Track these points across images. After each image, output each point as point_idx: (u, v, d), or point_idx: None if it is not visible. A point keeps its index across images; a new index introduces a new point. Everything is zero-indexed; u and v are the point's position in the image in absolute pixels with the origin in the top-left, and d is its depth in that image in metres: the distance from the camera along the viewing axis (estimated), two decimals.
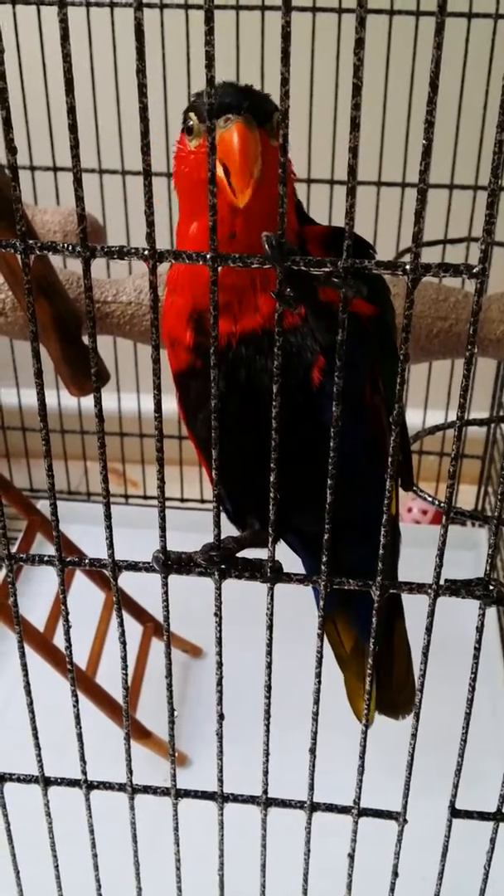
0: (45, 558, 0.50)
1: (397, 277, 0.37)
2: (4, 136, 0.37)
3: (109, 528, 0.47)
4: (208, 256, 0.39)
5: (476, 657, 0.49)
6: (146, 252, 0.38)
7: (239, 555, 0.55)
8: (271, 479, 0.43)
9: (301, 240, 0.60)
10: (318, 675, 0.50)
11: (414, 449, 1.30)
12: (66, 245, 0.40)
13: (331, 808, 0.55)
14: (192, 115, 0.56)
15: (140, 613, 1.04)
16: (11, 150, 0.37)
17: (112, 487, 1.45)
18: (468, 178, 1.09)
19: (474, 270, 0.38)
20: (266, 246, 0.39)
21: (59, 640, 0.89)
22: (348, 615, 0.71)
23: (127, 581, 0.49)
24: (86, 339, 0.74)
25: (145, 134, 0.37)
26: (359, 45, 0.34)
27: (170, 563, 0.47)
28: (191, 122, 0.56)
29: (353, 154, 0.36)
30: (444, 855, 0.55)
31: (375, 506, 0.63)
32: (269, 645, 0.49)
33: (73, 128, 0.37)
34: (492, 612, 1.13)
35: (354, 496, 0.43)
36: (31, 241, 0.39)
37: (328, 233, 0.60)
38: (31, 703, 0.54)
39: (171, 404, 0.62)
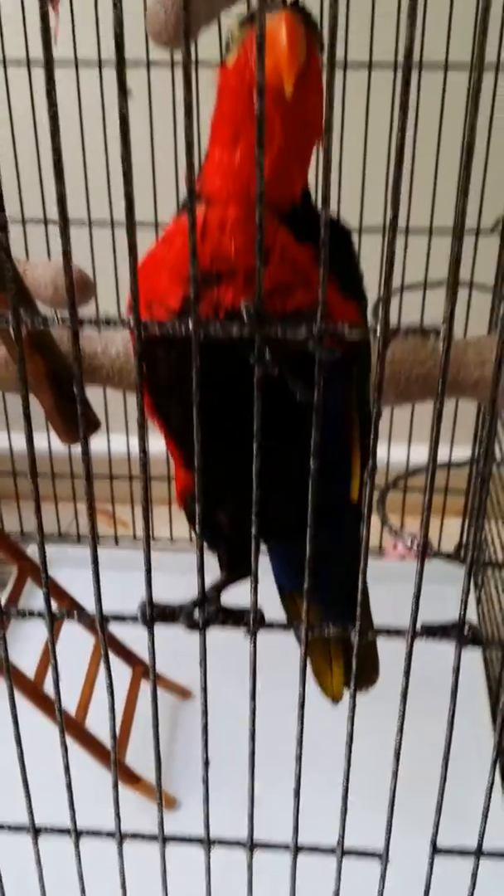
0: (35, 612, 0.51)
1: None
2: None
3: (97, 581, 0.48)
4: (190, 324, 0.41)
5: (453, 698, 0.51)
6: (131, 323, 0.41)
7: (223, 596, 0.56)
8: (253, 530, 0.45)
9: (307, 210, 0.57)
10: (301, 719, 0.52)
11: (398, 487, 1.32)
12: (56, 317, 0.42)
13: (315, 849, 0.56)
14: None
15: (129, 657, 1.05)
16: (4, 228, 0.40)
17: (102, 529, 1.47)
18: (448, 221, 1.12)
19: (440, 332, 0.40)
20: (244, 313, 0.41)
21: (48, 687, 0.90)
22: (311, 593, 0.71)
23: (116, 623, 0.51)
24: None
25: (130, 214, 0.39)
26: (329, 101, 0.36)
27: (155, 617, 0.49)
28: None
29: (325, 202, 0.38)
30: (426, 892, 0.56)
31: (336, 493, 0.63)
32: (253, 692, 0.50)
33: (62, 213, 0.39)
34: (476, 650, 1.14)
35: (321, 487, 0.43)
36: (22, 316, 0.41)
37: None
38: (21, 755, 0.55)
39: (158, 445, 0.62)
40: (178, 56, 1.05)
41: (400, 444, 1.31)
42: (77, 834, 0.57)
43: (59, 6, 1.05)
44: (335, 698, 0.76)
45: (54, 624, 0.51)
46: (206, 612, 0.48)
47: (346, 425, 0.62)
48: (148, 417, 0.60)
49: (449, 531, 1.37)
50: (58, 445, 1.32)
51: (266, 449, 0.42)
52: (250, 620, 0.48)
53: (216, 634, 0.50)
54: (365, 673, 0.76)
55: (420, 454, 1.26)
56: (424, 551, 0.47)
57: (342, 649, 0.75)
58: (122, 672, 1.03)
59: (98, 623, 0.49)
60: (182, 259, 0.53)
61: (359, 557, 0.45)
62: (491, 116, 1.07)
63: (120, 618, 0.49)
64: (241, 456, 0.44)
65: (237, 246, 0.45)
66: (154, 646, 0.49)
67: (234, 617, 0.49)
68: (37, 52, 1.09)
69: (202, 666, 0.49)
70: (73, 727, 0.88)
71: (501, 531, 1.16)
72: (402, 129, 0.33)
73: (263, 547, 0.70)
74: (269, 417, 0.42)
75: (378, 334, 0.40)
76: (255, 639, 0.48)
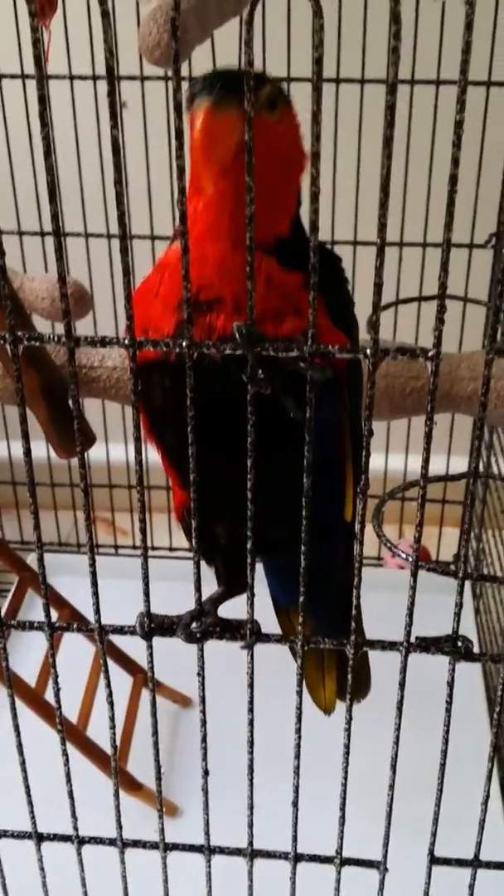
0: (35, 624, 0.52)
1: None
2: None
3: (96, 594, 0.49)
4: (184, 344, 0.42)
5: (448, 710, 0.51)
6: (126, 342, 0.42)
7: (221, 609, 0.57)
8: (248, 544, 0.46)
9: (297, 240, 0.57)
10: (299, 731, 0.52)
11: (396, 496, 1.33)
12: (52, 336, 0.43)
13: (314, 858, 0.57)
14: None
15: (129, 665, 1.06)
16: (0, 252, 0.41)
17: (102, 537, 1.48)
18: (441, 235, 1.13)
19: (430, 354, 0.41)
20: (236, 333, 0.42)
21: (50, 695, 0.91)
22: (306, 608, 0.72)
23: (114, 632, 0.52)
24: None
25: (123, 237, 0.40)
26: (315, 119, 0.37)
27: (153, 628, 0.50)
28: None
29: (314, 228, 0.39)
30: None
31: (331, 513, 0.64)
32: (251, 703, 0.51)
33: (56, 231, 0.40)
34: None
35: (312, 508, 0.44)
36: (19, 334, 0.42)
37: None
38: (23, 763, 0.56)
39: (156, 455, 0.63)
40: (171, 72, 1.06)
41: (397, 455, 1.32)
42: (79, 841, 0.58)
43: (51, 21, 1.06)
44: (327, 710, 0.77)
45: (54, 635, 0.52)
46: (203, 625, 0.49)
47: (339, 446, 0.63)
48: (146, 438, 0.61)
49: (447, 540, 1.38)
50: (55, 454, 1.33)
51: (260, 468, 0.43)
52: (247, 633, 0.49)
53: (216, 645, 0.51)
54: (357, 686, 0.77)
55: (418, 462, 1.27)
56: (417, 568, 0.48)
57: (335, 662, 0.76)
58: (123, 680, 1.03)
59: (97, 635, 0.50)
60: (173, 287, 0.55)
61: (353, 574, 0.46)
62: (483, 128, 1.09)
63: (119, 630, 0.50)
64: (236, 476, 0.45)
65: (219, 275, 0.46)
66: (153, 658, 0.50)
67: (231, 629, 0.50)
68: (31, 65, 1.09)
69: (200, 678, 0.50)
70: (74, 735, 0.89)
71: (499, 542, 1.17)
72: (388, 168, 0.34)
73: (260, 564, 0.71)
74: (262, 437, 0.42)
75: (368, 355, 0.41)
76: (252, 651, 0.49)
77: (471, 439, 1.27)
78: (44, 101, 0.38)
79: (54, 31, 0.89)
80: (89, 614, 1.05)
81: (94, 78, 1.08)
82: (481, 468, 1.18)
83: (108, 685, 0.53)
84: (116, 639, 1.05)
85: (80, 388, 0.82)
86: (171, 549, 1.39)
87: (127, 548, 1.44)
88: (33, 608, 1.21)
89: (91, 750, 0.90)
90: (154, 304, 0.56)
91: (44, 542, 0.52)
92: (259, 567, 0.69)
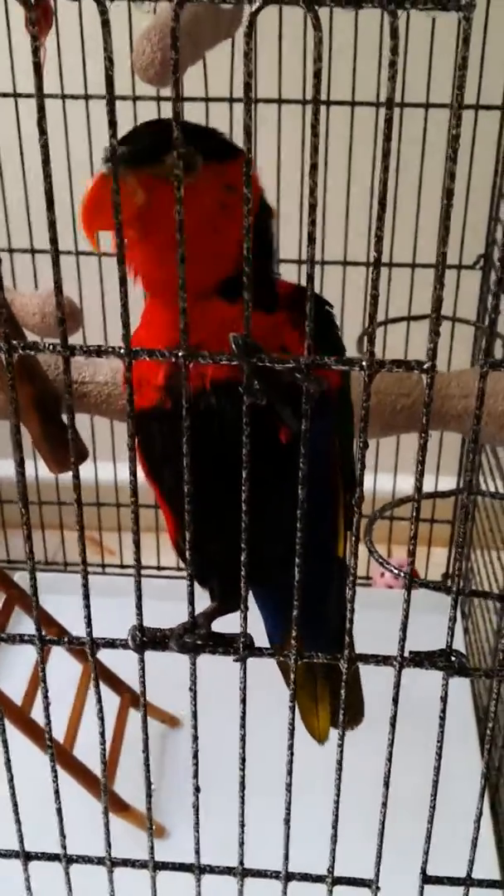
0: (25, 637, 0.52)
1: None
2: None
3: (87, 607, 0.49)
4: (180, 354, 0.42)
5: (441, 726, 0.51)
6: (122, 350, 0.42)
7: (213, 625, 0.57)
8: (242, 556, 0.46)
9: (273, 296, 0.60)
10: (291, 748, 0.52)
11: (385, 515, 1.33)
12: (47, 344, 0.43)
13: (306, 877, 0.56)
14: None
15: (117, 684, 1.05)
16: None
17: (89, 556, 1.47)
18: (430, 257, 1.15)
19: (425, 366, 0.41)
20: (233, 345, 0.42)
21: (35, 714, 0.90)
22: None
23: (104, 650, 0.51)
24: (65, 418, 0.77)
25: (121, 246, 0.40)
26: (314, 150, 0.38)
27: (145, 641, 0.49)
28: None
29: (311, 240, 0.39)
30: None
31: (323, 548, 0.65)
32: (243, 718, 0.51)
33: (53, 238, 0.40)
34: (465, 680, 1.15)
35: (309, 540, 0.45)
36: (14, 342, 0.42)
37: (295, 294, 0.62)
38: (11, 779, 0.55)
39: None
40: (164, 91, 1.07)
41: (386, 474, 1.32)
42: (68, 860, 0.57)
43: (46, 37, 1.07)
44: (321, 739, 0.77)
45: (44, 648, 0.51)
46: (196, 637, 0.49)
47: (331, 474, 0.64)
48: (146, 481, 0.64)
49: (436, 560, 1.38)
50: (44, 472, 1.32)
51: (255, 498, 0.44)
52: (240, 646, 0.49)
53: (204, 663, 0.50)
54: (350, 714, 0.78)
55: (406, 482, 1.28)
56: (411, 582, 0.48)
57: (328, 691, 0.76)
58: (110, 699, 1.02)
59: (89, 648, 0.50)
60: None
61: (345, 608, 0.47)
62: (472, 152, 1.10)
63: (111, 643, 0.50)
64: (231, 510, 0.46)
65: (192, 327, 0.46)
66: (144, 672, 0.50)
67: (223, 643, 0.49)
68: (23, 84, 1.11)
69: (192, 692, 0.50)
70: (61, 754, 0.87)
71: (487, 561, 1.17)
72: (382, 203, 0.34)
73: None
74: (257, 469, 0.43)
75: (364, 367, 0.41)
76: (244, 664, 0.49)
77: (460, 456, 1.28)
78: (42, 109, 0.38)
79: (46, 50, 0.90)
80: (77, 633, 1.04)
81: (87, 97, 1.08)
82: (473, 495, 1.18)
83: (99, 698, 0.52)
84: (104, 657, 1.04)
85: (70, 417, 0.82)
86: (159, 567, 1.38)
87: (114, 566, 1.43)
88: (19, 627, 1.19)
89: (78, 770, 0.89)
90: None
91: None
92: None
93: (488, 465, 1.07)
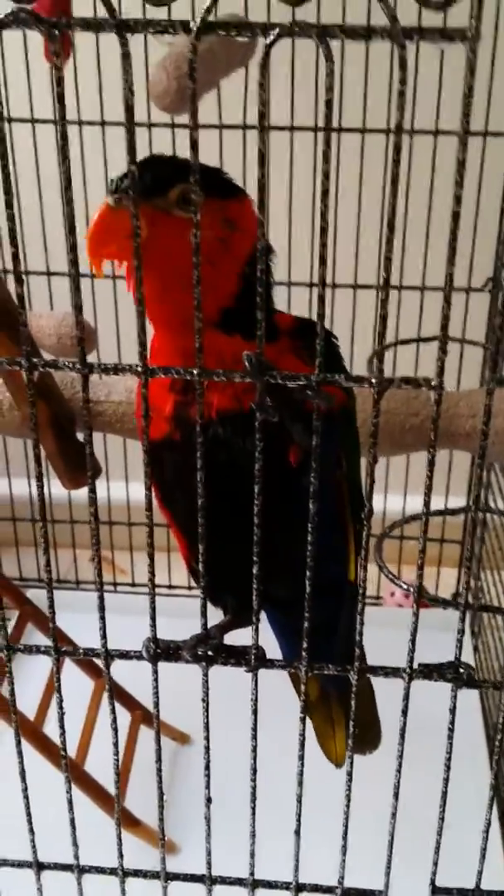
0: (42, 648, 0.53)
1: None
2: (14, 269, 0.42)
3: (103, 619, 0.50)
4: (195, 372, 0.43)
5: (450, 738, 0.52)
6: (139, 368, 0.43)
7: (225, 639, 0.58)
8: (254, 570, 0.47)
9: (273, 327, 0.62)
10: (302, 758, 0.53)
11: (395, 535, 1.34)
12: (66, 362, 0.44)
13: (316, 888, 0.57)
14: None
15: (129, 701, 1.05)
16: (19, 281, 0.42)
17: (97, 594, 1.48)
18: (439, 280, 1.16)
19: (433, 384, 0.42)
20: (246, 363, 0.43)
21: (48, 730, 0.91)
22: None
23: (115, 669, 0.52)
24: (80, 436, 0.79)
25: (139, 268, 0.42)
26: (326, 159, 0.39)
27: (159, 653, 0.50)
28: None
29: (322, 262, 0.40)
30: None
31: (335, 573, 0.66)
32: (255, 729, 0.52)
33: (74, 260, 0.42)
34: (474, 693, 1.15)
35: (319, 566, 0.47)
36: (34, 360, 0.43)
37: (296, 325, 0.63)
38: (25, 789, 0.56)
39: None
40: (178, 119, 1.10)
41: (396, 495, 1.33)
42: (80, 870, 0.57)
43: (64, 67, 1.10)
44: (338, 763, 0.78)
45: (59, 660, 0.52)
46: (209, 647, 0.50)
47: (339, 503, 0.66)
48: (158, 509, 0.66)
49: (445, 580, 1.39)
50: (57, 492, 1.34)
51: (265, 519, 0.45)
52: (251, 657, 0.50)
53: (215, 680, 0.51)
54: (367, 738, 0.78)
55: (416, 502, 1.29)
56: (420, 594, 0.49)
57: (344, 714, 0.77)
58: (121, 716, 1.03)
59: (104, 659, 0.51)
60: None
61: (355, 633, 0.48)
62: (480, 178, 1.12)
63: (125, 654, 0.51)
64: (242, 538, 0.47)
65: (192, 358, 0.48)
66: (157, 683, 0.51)
67: (235, 654, 0.51)
68: (40, 109, 1.13)
69: (204, 702, 0.51)
70: (73, 769, 0.88)
71: (497, 580, 1.17)
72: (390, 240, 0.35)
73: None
74: (268, 488, 0.45)
75: (373, 383, 0.42)
76: (256, 676, 0.50)
77: (469, 476, 1.29)
78: (65, 136, 0.40)
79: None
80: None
81: (103, 124, 1.11)
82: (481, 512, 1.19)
83: (113, 709, 0.53)
84: (115, 675, 1.05)
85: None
86: (170, 586, 1.39)
87: (125, 584, 1.44)
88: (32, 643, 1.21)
89: (89, 785, 0.89)
90: (152, 390, 0.60)
91: (43, 578, 0.52)
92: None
93: (497, 484, 1.08)
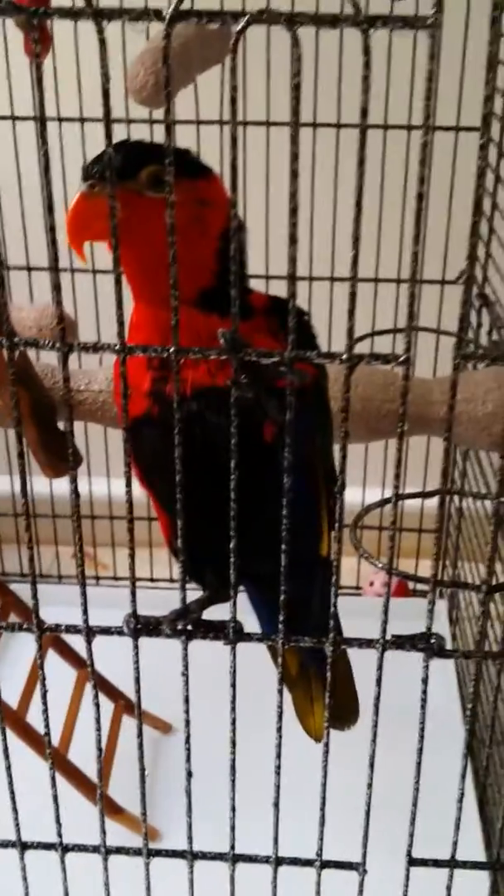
0: (24, 626, 0.54)
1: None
2: None
3: (84, 594, 0.51)
4: (171, 350, 0.45)
5: (423, 707, 0.53)
6: (117, 347, 0.44)
7: (204, 614, 0.59)
8: (231, 544, 0.48)
9: (248, 306, 0.63)
10: (279, 730, 0.54)
11: (373, 524, 1.36)
12: (46, 341, 0.45)
13: (295, 861, 0.58)
14: None
15: (112, 692, 1.06)
16: (2, 264, 0.43)
17: (77, 569, 1.48)
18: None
19: (401, 358, 0.44)
20: (221, 340, 0.45)
21: (30, 718, 0.92)
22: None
23: (98, 662, 0.53)
24: (61, 425, 0.80)
25: (116, 248, 0.43)
26: (294, 164, 0.41)
27: (139, 628, 0.52)
28: None
29: (292, 263, 0.42)
30: None
31: (309, 548, 0.68)
32: (233, 702, 0.53)
33: (53, 242, 0.43)
34: (450, 670, 1.17)
35: (294, 540, 0.48)
36: (16, 338, 0.44)
37: (270, 304, 0.65)
38: (9, 767, 0.57)
39: (138, 488, 0.66)
40: (156, 115, 1.11)
41: (374, 488, 1.35)
42: (63, 848, 0.58)
43: (44, 59, 1.11)
44: (318, 738, 0.80)
45: (42, 640, 0.53)
46: (188, 621, 0.51)
47: (312, 478, 0.67)
48: (140, 486, 0.67)
49: (423, 572, 1.40)
50: (38, 487, 1.35)
51: (241, 493, 0.46)
52: (230, 631, 0.51)
53: (195, 666, 0.52)
54: (346, 715, 0.80)
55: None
56: (391, 572, 0.50)
57: (323, 690, 0.78)
58: (104, 707, 1.03)
59: (85, 636, 0.52)
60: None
61: (329, 608, 0.49)
62: (452, 172, 1.14)
63: (106, 630, 0.52)
64: (219, 512, 0.48)
65: (169, 335, 0.49)
66: (138, 659, 0.52)
67: (214, 628, 0.52)
68: (21, 108, 1.14)
69: (184, 675, 0.52)
70: (55, 756, 0.89)
71: (472, 568, 1.19)
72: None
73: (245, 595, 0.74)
74: (243, 464, 0.46)
75: (343, 359, 0.44)
76: (234, 649, 0.51)
77: (444, 463, 1.30)
78: (43, 122, 0.41)
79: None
80: (71, 644, 1.06)
81: (82, 120, 1.12)
82: (455, 495, 1.21)
83: (95, 689, 0.54)
84: (98, 667, 1.06)
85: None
86: (152, 579, 1.40)
87: (108, 579, 1.45)
88: (15, 637, 1.21)
89: (72, 773, 0.90)
90: (129, 367, 0.60)
91: (25, 574, 0.54)
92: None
93: (472, 473, 1.10)
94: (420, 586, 1.40)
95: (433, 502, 1.26)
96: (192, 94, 1.10)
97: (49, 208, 0.42)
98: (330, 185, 1.16)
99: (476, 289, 1.09)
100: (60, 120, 1.12)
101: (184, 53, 0.83)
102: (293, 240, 0.42)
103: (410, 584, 1.41)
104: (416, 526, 1.35)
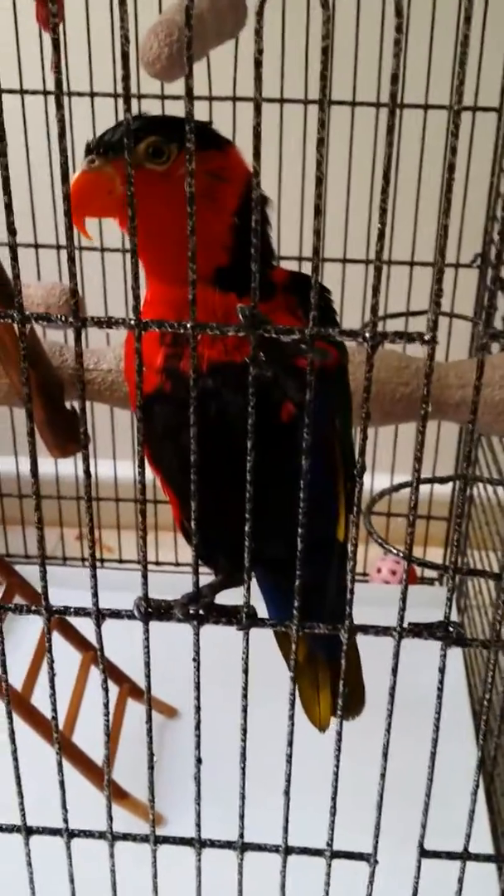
0: (32, 608, 0.53)
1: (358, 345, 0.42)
2: (7, 219, 0.41)
3: (94, 577, 0.50)
4: (189, 325, 0.43)
5: (439, 697, 0.52)
6: (132, 322, 0.43)
7: (216, 599, 0.58)
8: (245, 527, 0.47)
9: (269, 283, 0.61)
10: (291, 718, 0.53)
11: (382, 511, 1.35)
12: (59, 316, 0.44)
13: (304, 850, 0.57)
14: None
15: (118, 675, 1.05)
16: (12, 231, 0.42)
17: (87, 552, 1.48)
18: (428, 256, 1.17)
19: (426, 338, 0.42)
20: (240, 316, 0.43)
21: (35, 701, 0.91)
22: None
23: (107, 641, 0.52)
24: (68, 405, 0.78)
25: (132, 218, 0.42)
26: (321, 144, 0.39)
27: (150, 611, 0.50)
28: None
29: (317, 236, 0.41)
30: (414, 894, 0.57)
31: (325, 532, 0.66)
32: (245, 688, 0.52)
33: (67, 212, 0.41)
34: (459, 661, 1.16)
35: (311, 524, 0.46)
36: (27, 313, 0.43)
37: (290, 278, 0.63)
38: (15, 751, 0.56)
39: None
40: (168, 89, 1.09)
41: (383, 473, 1.34)
42: (69, 834, 0.57)
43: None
44: (322, 727, 0.78)
45: (50, 620, 0.52)
46: (200, 605, 0.50)
47: (331, 461, 0.65)
48: (148, 466, 0.65)
49: (432, 558, 1.39)
50: (44, 469, 1.33)
51: (257, 475, 0.45)
52: (242, 616, 0.49)
53: (205, 657, 0.51)
54: (352, 704, 0.79)
55: (404, 479, 1.29)
56: (410, 560, 0.49)
57: (329, 679, 0.77)
58: (109, 690, 1.03)
59: (94, 618, 0.51)
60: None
61: (345, 597, 0.48)
62: (469, 154, 1.12)
63: (116, 613, 0.51)
64: (233, 493, 0.47)
65: (184, 312, 0.48)
66: (149, 643, 0.51)
67: (226, 613, 0.50)
68: (28, 81, 1.12)
69: (195, 661, 0.51)
70: (61, 739, 0.88)
71: (484, 557, 1.18)
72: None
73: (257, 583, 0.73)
74: (260, 444, 0.44)
75: (367, 337, 0.42)
76: (247, 634, 0.50)
77: (457, 452, 1.29)
78: (60, 84, 0.39)
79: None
80: (77, 629, 1.05)
81: (92, 95, 1.10)
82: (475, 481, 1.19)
83: (104, 672, 0.53)
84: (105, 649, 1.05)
85: (75, 392, 0.83)
86: (157, 563, 1.39)
87: (112, 562, 1.44)
88: (18, 619, 1.20)
89: (77, 757, 0.90)
90: (146, 341, 0.58)
91: (29, 555, 0.53)
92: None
93: (484, 459, 1.08)
94: (427, 573, 1.39)
95: (443, 489, 1.25)
96: (205, 70, 1.08)
97: (64, 177, 0.40)
98: (344, 165, 1.14)
99: (492, 271, 1.07)
100: (70, 94, 1.10)
101: (199, 25, 0.81)
102: (318, 211, 0.40)
103: (418, 571, 1.40)
104: (424, 513, 1.34)
